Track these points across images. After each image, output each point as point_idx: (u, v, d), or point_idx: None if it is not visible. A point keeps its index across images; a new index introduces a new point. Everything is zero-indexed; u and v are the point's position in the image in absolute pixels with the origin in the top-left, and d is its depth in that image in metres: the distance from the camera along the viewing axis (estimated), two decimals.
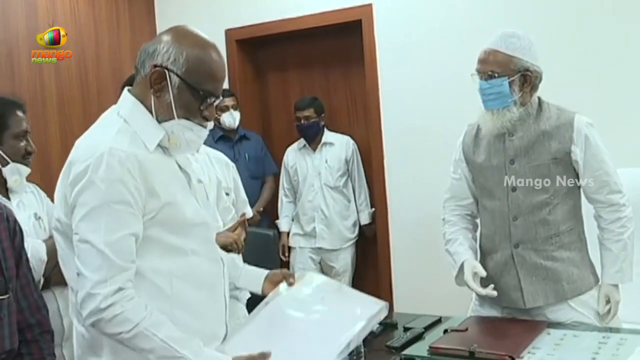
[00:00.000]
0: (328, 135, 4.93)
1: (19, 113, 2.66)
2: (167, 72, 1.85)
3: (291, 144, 5.05)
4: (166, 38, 1.88)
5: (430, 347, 2.38)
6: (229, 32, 5.17)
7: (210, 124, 1.97)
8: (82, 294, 1.73)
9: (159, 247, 1.84)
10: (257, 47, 5.34)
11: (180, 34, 1.89)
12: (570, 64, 3.94)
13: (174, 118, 1.87)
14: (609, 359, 2.21)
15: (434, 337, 2.51)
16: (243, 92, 5.24)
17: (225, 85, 5.04)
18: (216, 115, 4.44)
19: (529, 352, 2.29)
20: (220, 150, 3.36)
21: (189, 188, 1.96)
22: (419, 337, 2.54)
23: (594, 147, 2.57)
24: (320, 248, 4.85)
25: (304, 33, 4.98)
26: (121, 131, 1.84)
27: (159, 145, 1.89)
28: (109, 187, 1.74)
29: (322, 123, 4.90)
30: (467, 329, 2.53)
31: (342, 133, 4.97)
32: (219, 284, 1.98)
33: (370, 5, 4.63)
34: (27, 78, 4.33)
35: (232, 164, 3.29)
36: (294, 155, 4.98)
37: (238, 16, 5.12)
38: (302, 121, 4.83)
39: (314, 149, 4.91)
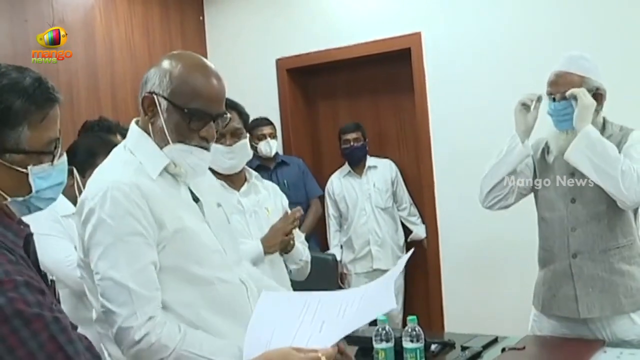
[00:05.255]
0: (370, 160, 5.02)
1: None
2: (155, 96, 1.85)
3: None
4: (156, 65, 1.88)
5: None
6: (279, 62, 5.30)
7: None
8: (114, 329, 1.73)
9: (181, 277, 1.82)
10: (308, 75, 5.43)
11: (172, 58, 1.89)
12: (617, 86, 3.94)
13: (169, 143, 1.85)
14: None
15: (492, 355, 2.52)
16: (294, 120, 5.35)
17: (275, 114, 5.20)
18: (254, 144, 4.52)
19: None
20: None
21: (202, 215, 1.92)
22: (477, 356, 2.55)
23: None
24: (375, 270, 4.86)
25: (354, 62, 5.06)
26: (127, 163, 1.85)
27: (168, 172, 1.89)
28: (119, 221, 1.74)
29: (367, 147, 5.00)
30: (524, 348, 2.55)
31: (385, 157, 5.07)
32: (243, 308, 1.90)
33: (419, 33, 4.70)
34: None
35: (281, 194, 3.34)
36: (339, 183, 5.03)
37: (288, 46, 5.23)
38: (352, 143, 4.92)
39: (360, 174, 4.98)
